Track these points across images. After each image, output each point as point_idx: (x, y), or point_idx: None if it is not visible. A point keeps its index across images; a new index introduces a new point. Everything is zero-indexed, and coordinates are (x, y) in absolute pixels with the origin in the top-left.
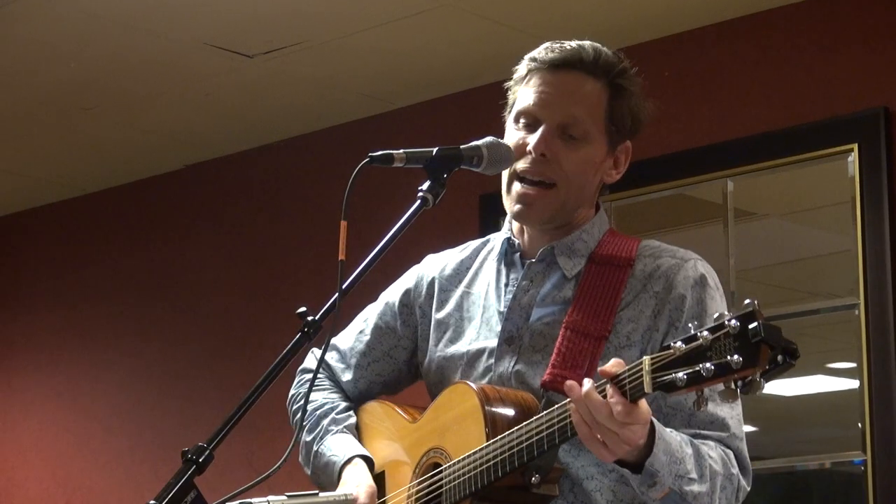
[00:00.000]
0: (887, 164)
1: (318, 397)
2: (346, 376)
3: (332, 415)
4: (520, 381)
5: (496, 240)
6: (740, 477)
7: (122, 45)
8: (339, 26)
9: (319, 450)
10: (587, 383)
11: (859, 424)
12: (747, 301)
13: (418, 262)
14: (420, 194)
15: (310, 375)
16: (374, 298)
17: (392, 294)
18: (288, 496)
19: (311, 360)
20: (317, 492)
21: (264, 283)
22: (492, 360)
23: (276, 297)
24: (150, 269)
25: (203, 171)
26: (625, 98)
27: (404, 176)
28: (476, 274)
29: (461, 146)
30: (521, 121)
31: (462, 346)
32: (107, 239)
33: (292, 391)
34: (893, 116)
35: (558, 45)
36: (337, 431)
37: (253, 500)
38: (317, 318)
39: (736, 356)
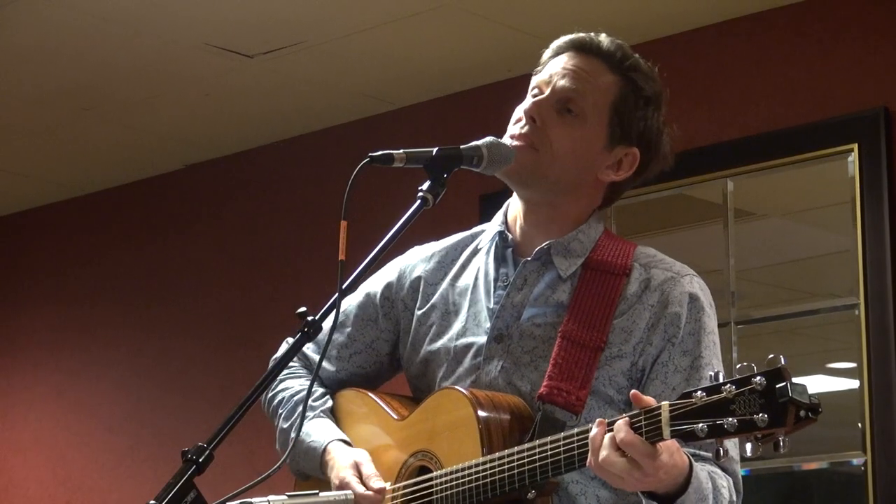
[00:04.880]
0: (887, 164)
1: (293, 384)
2: (328, 367)
3: (308, 401)
4: (507, 381)
5: (486, 231)
6: None
7: (122, 45)
8: (339, 26)
9: (297, 437)
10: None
11: (859, 424)
12: (772, 356)
13: None
14: (420, 194)
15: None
16: None
17: (373, 285)
18: (288, 496)
19: (283, 349)
20: (317, 491)
21: (264, 283)
22: (479, 358)
23: (275, 296)
24: (150, 268)
25: (203, 171)
26: (637, 99)
27: (404, 176)
28: (463, 267)
29: (461, 146)
30: (530, 94)
31: (448, 341)
32: (107, 239)
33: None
34: (893, 116)
35: (582, 33)
36: (314, 416)
37: (253, 499)
38: (317, 318)
39: (762, 414)
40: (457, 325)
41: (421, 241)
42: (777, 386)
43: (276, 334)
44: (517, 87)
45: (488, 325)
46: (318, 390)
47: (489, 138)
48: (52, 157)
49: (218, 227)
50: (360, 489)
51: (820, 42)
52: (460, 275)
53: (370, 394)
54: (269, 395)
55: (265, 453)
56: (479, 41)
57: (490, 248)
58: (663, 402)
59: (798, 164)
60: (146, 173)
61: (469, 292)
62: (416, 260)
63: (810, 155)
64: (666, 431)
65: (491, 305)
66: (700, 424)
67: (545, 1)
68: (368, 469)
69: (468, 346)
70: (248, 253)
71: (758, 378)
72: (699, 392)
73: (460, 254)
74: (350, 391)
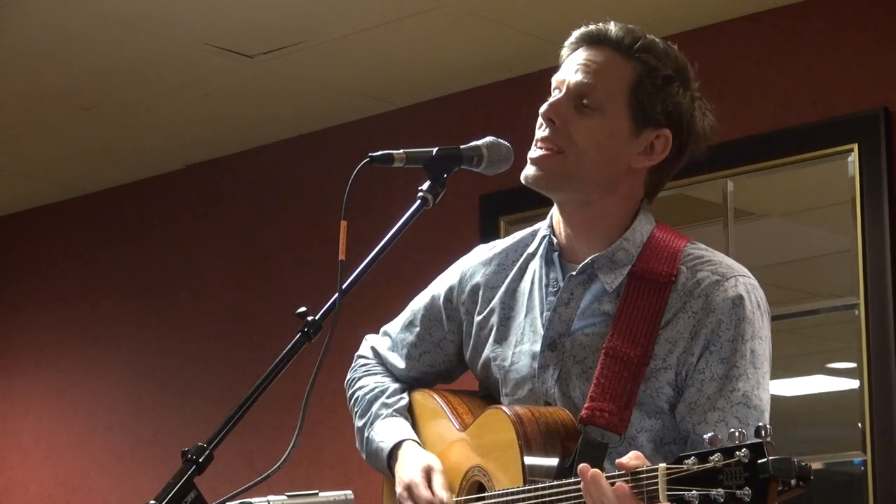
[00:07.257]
0: (887, 164)
1: (369, 382)
2: (400, 365)
3: (382, 398)
4: (562, 391)
5: (540, 232)
6: None
7: (122, 45)
8: (339, 26)
9: (369, 436)
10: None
11: (859, 424)
12: (761, 424)
13: (419, 262)
14: (420, 194)
15: (363, 360)
16: (374, 298)
17: (437, 287)
18: (288, 496)
19: (365, 347)
20: (316, 491)
21: (264, 283)
22: (535, 365)
23: (276, 297)
24: (150, 268)
25: (203, 171)
26: (655, 80)
27: (404, 176)
28: (521, 270)
29: (461, 146)
30: (551, 95)
31: (506, 347)
32: (107, 239)
33: (348, 376)
34: (893, 116)
35: (592, 24)
36: (386, 416)
37: (253, 499)
38: (317, 318)
39: (746, 489)
40: (515, 331)
41: (421, 242)
42: (759, 461)
43: (276, 334)
44: (517, 87)
45: (542, 332)
46: (394, 386)
47: (489, 138)
48: (52, 157)
49: (218, 227)
50: (427, 494)
51: (820, 42)
52: (519, 279)
53: (437, 397)
54: (349, 392)
55: (265, 453)
56: (479, 41)
57: (541, 252)
58: (660, 465)
59: (798, 164)
60: (146, 173)
61: (525, 298)
62: (476, 263)
63: (810, 155)
64: (663, 495)
65: (543, 311)
66: (693, 491)
67: (545, 1)
68: (438, 479)
69: (525, 353)
70: (248, 253)
71: (742, 451)
72: (692, 458)
73: (520, 255)
74: (421, 392)
